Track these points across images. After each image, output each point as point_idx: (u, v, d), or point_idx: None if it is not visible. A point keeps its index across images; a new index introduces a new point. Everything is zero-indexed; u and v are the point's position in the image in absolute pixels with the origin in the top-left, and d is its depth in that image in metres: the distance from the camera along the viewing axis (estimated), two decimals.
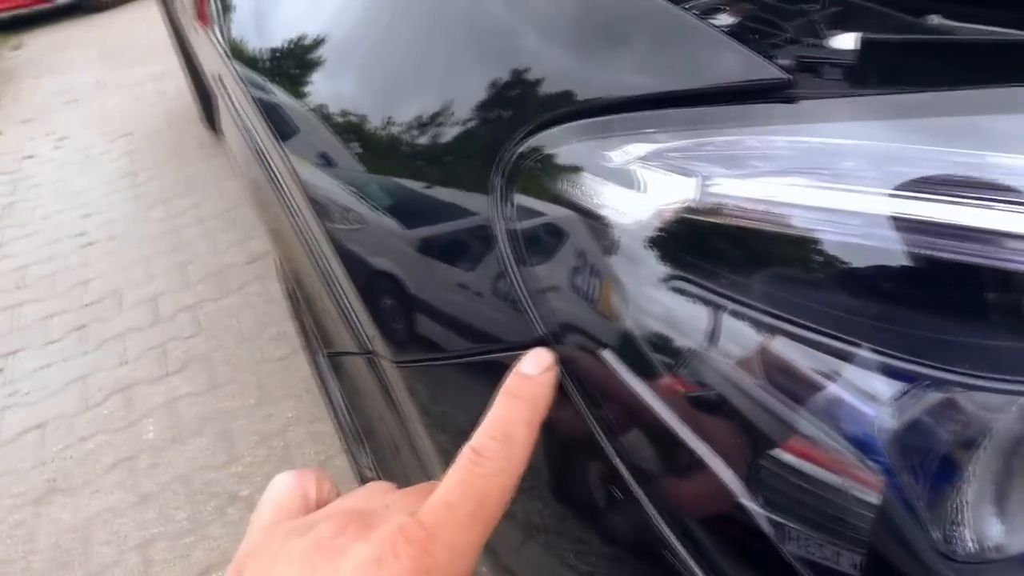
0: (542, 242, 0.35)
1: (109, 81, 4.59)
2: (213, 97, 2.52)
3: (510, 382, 0.32)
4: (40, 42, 5.84)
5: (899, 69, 0.28)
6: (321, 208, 0.51)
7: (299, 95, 0.55)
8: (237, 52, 0.70)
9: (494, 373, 0.38)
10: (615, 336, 0.32)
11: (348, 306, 0.53)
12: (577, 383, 0.34)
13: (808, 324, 0.27)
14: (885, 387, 0.26)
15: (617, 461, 0.33)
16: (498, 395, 0.31)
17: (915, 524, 0.26)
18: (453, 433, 0.43)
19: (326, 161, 0.52)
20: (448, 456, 0.44)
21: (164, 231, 2.80)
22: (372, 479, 1.08)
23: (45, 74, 4.99)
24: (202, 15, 0.95)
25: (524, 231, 0.35)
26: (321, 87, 0.54)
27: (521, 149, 0.36)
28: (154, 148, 3.54)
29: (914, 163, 0.27)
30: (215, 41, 0.81)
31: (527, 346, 0.36)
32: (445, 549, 0.26)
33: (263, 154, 0.66)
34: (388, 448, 0.55)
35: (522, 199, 0.36)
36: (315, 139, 0.53)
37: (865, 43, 0.29)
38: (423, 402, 0.45)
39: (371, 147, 0.47)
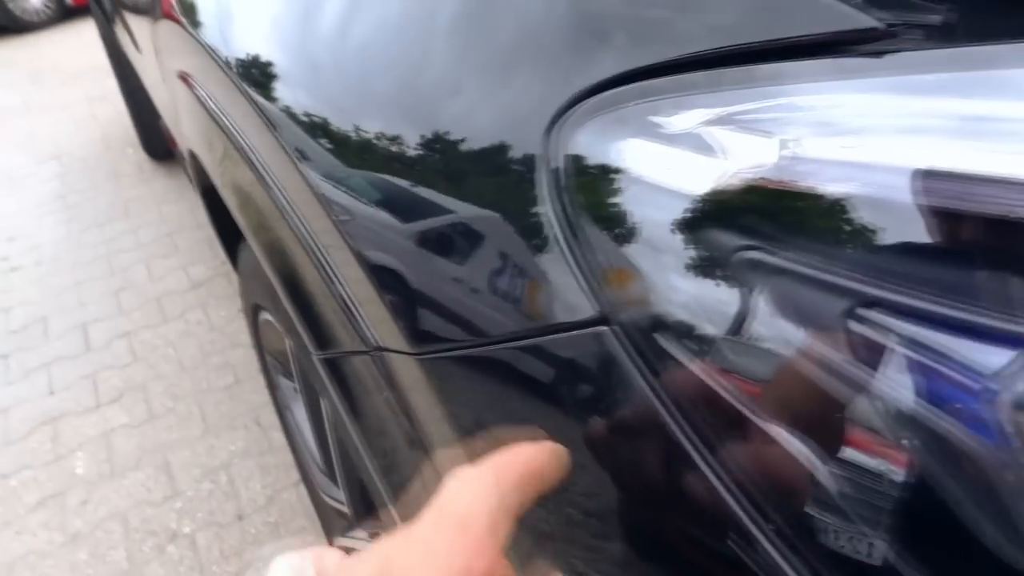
0: (599, 215, 0.33)
1: (37, 102, 4.39)
2: (158, 118, 2.43)
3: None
4: None
5: (994, 23, 0.28)
6: (330, 200, 0.48)
7: (308, 88, 0.52)
8: (227, 47, 0.66)
9: (533, 359, 0.36)
10: (682, 313, 0.30)
11: (352, 302, 0.50)
12: (643, 365, 0.32)
13: (911, 293, 0.26)
14: (999, 358, 0.25)
15: (698, 456, 0.30)
16: None
17: None
18: (477, 426, 0.40)
19: (337, 150, 0.49)
20: (473, 452, 0.41)
21: (97, 256, 2.66)
22: (338, 512, 1.02)
23: None
24: (167, 10, 0.91)
25: (578, 203, 0.33)
26: (328, 70, 0.51)
27: (574, 115, 0.35)
28: (88, 171, 3.38)
29: None
30: (191, 36, 0.77)
31: (580, 327, 0.33)
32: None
33: (248, 152, 0.63)
34: (395, 452, 0.52)
35: (576, 169, 0.34)
36: (323, 130, 0.50)
37: None
38: (445, 396, 0.42)
39: (400, 129, 0.44)
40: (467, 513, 0.26)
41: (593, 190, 0.33)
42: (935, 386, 0.26)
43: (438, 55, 0.43)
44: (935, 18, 0.29)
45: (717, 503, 0.30)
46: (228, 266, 2.49)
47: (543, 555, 0.40)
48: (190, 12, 0.80)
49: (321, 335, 0.56)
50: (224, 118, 0.68)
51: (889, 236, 0.27)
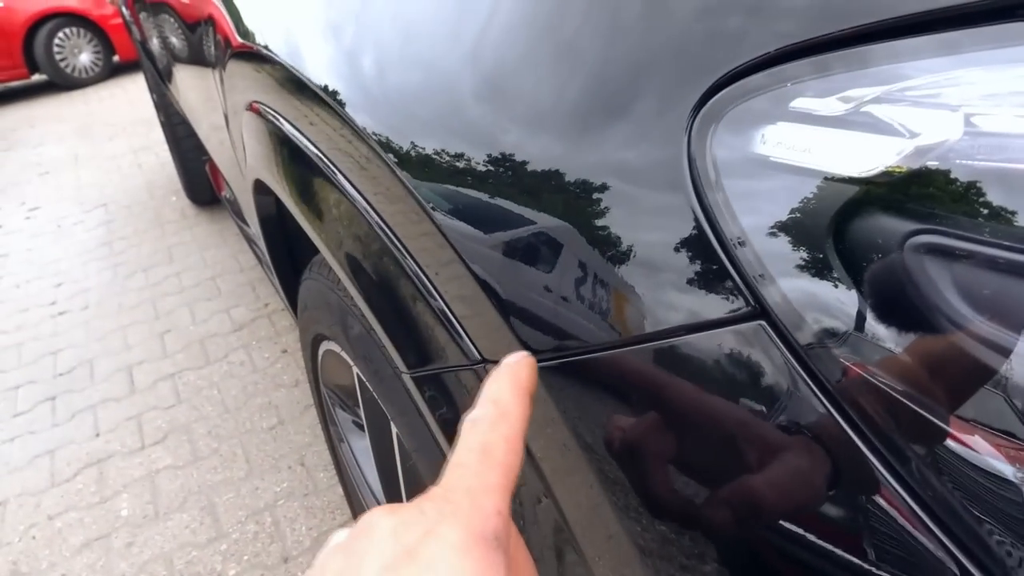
0: (755, 206, 0.31)
1: (84, 154, 4.54)
2: (203, 164, 2.49)
3: (492, 373, 0.35)
4: (13, 117, 5.78)
5: None
6: (436, 214, 0.47)
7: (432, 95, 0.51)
8: (307, 71, 0.67)
9: (672, 359, 0.34)
10: (848, 306, 0.28)
11: (453, 316, 0.48)
12: (803, 362, 0.30)
13: None
14: None
15: (878, 463, 0.28)
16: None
17: None
18: (601, 439, 0.38)
19: (438, 160, 0.48)
20: (593, 469, 0.39)
21: (142, 300, 2.70)
22: None
23: (17, 147, 4.92)
24: (237, 45, 0.93)
25: (726, 198, 0.32)
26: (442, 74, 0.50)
27: (710, 109, 0.33)
28: (133, 218, 3.46)
29: None
30: (267, 63, 0.78)
31: (734, 322, 0.32)
32: (464, 494, 0.28)
33: (335, 171, 0.62)
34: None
35: (722, 161, 0.32)
36: (424, 145, 0.50)
37: None
38: (560, 403, 0.40)
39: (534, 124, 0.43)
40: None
41: (741, 181, 0.32)
42: None
43: (548, 65, 0.43)
44: None
45: (899, 515, 0.28)
46: (271, 307, 2.52)
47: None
48: (264, 41, 0.81)
49: (414, 352, 0.55)
50: (303, 139, 0.68)
51: None
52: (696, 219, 0.33)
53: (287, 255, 1.11)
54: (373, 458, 0.97)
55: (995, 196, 0.26)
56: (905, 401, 0.28)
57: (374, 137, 0.54)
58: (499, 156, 0.44)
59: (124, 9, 3.12)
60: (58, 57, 6.27)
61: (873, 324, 0.28)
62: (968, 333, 0.26)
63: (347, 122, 0.57)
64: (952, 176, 0.27)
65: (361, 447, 1.10)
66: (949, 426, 0.27)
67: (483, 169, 0.45)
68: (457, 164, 0.46)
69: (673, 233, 0.34)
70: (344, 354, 0.84)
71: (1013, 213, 0.26)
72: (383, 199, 0.54)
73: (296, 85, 0.68)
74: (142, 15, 2.52)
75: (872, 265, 0.28)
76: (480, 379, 0.46)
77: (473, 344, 0.46)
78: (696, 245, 0.33)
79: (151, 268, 2.93)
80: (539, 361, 0.40)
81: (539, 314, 0.40)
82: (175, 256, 3.02)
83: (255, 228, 1.19)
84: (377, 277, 0.57)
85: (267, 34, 0.80)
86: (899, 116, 0.29)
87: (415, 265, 0.51)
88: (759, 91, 0.32)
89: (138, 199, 3.70)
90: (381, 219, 0.54)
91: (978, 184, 0.27)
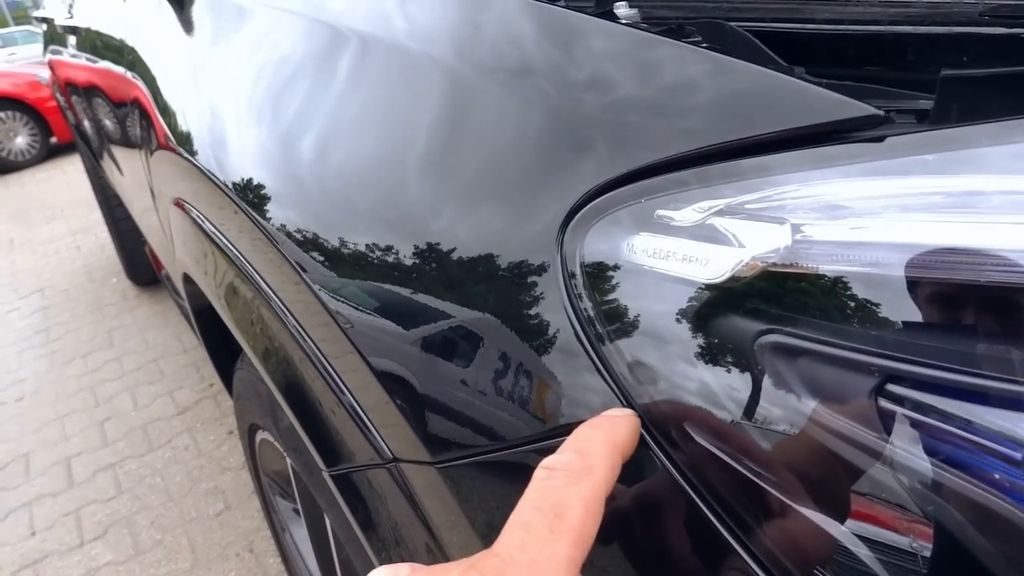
0: (616, 310, 0.34)
1: (20, 238, 4.43)
2: (143, 245, 2.45)
3: (590, 420, 0.31)
4: None
5: (979, 103, 0.30)
6: (340, 312, 0.49)
7: (317, 206, 0.54)
8: (223, 173, 0.69)
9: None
10: (706, 399, 0.31)
11: (363, 414, 0.49)
12: (670, 454, 0.32)
13: (936, 366, 0.27)
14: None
15: (728, 535, 0.30)
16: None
17: None
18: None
19: (339, 262, 0.50)
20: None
21: (81, 388, 2.62)
22: None
23: None
24: (163, 142, 0.94)
25: (595, 300, 0.35)
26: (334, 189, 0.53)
27: (579, 219, 0.36)
28: (71, 303, 3.38)
29: None
30: (187, 164, 0.80)
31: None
32: (526, 568, 0.24)
33: (250, 269, 0.64)
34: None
35: (589, 268, 0.35)
36: (323, 244, 0.52)
37: (943, 80, 0.31)
38: (467, 503, 0.42)
39: (404, 237, 0.46)
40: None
41: (609, 286, 0.34)
42: (962, 455, 0.26)
43: (426, 180, 0.46)
44: (924, 103, 0.32)
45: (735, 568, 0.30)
46: (215, 388, 2.47)
47: None
48: (185, 142, 0.83)
49: (331, 450, 0.56)
50: (223, 239, 0.70)
51: (905, 311, 0.28)
52: (571, 324, 0.35)
53: (222, 343, 1.11)
54: (312, 547, 0.95)
55: (826, 296, 0.29)
56: (759, 483, 0.30)
57: (286, 238, 0.56)
58: (411, 248, 0.46)
59: (58, 94, 3.11)
60: None
61: (733, 417, 0.31)
62: (816, 424, 0.29)
63: (259, 225, 0.59)
64: (788, 280, 0.30)
65: (301, 535, 1.08)
66: (798, 504, 0.29)
67: (386, 262, 0.47)
68: (361, 256, 0.49)
69: (552, 338, 0.36)
70: (277, 444, 0.83)
71: (839, 311, 0.29)
72: (293, 300, 0.55)
73: (214, 188, 0.70)
74: (75, 98, 2.52)
75: (729, 363, 0.31)
76: (394, 478, 0.47)
77: (384, 442, 0.47)
78: (568, 349, 0.35)
79: (90, 354, 2.85)
80: (439, 463, 0.42)
81: (432, 416, 0.42)
82: (115, 340, 2.94)
83: (189, 318, 1.19)
84: (292, 375, 0.58)
85: (188, 135, 0.82)
86: (737, 228, 0.32)
87: (322, 358, 0.52)
88: (622, 204, 0.35)
89: (76, 282, 3.62)
90: (292, 317, 0.55)
91: (811, 286, 0.30)
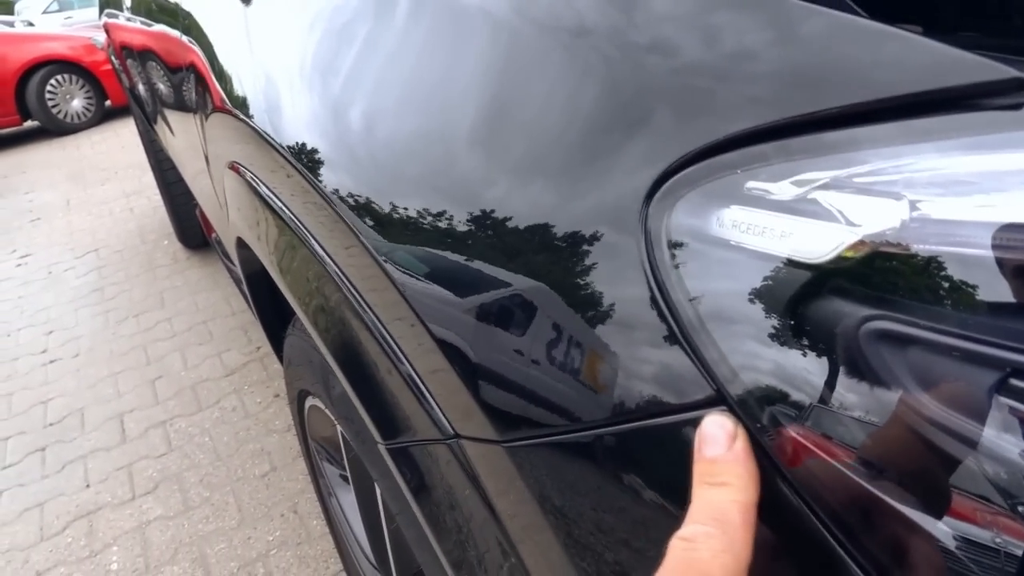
0: (707, 289, 0.32)
1: (76, 199, 4.55)
2: (194, 209, 2.49)
3: (701, 471, 0.29)
4: (5, 163, 5.81)
5: None
6: (403, 281, 0.48)
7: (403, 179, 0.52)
8: (279, 136, 0.68)
9: (640, 442, 0.34)
10: (817, 391, 0.29)
11: (425, 387, 0.48)
12: (765, 444, 0.30)
13: None
14: None
15: (828, 536, 0.28)
16: (694, 489, 0.29)
17: None
18: (580, 522, 0.38)
19: (405, 226, 0.49)
20: (575, 550, 0.39)
21: (134, 346, 2.69)
22: None
23: (8, 194, 4.93)
24: (219, 104, 0.94)
25: (684, 279, 0.32)
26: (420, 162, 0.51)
27: (666, 191, 0.34)
28: (125, 263, 3.46)
29: None
30: (244, 126, 0.79)
31: (695, 407, 0.32)
32: None
33: (307, 234, 0.63)
34: (467, 545, 0.49)
35: (677, 244, 0.33)
36: (390, 208, 0.50)
37: None
38: (536, 485, 0.40)
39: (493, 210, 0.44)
40: None
41: (699, 264, 0.32)
42: None
43: (494, 147, 0.43)
44: None
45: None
46: (263, 351, 2.51)
47: None
48: (242, 106, 0.82)
49: (387, 422, 0.55)
50: (278, 202, 0.69)
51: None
52: (655, 302, 0.33)
53: (273, 308, 1.12)
54: (360, 515, 0.96)
55: (944, 281, 0.27)
56: (865, 486, 0.28)
57: (341, 201, 0.55)
58: (471, 215, 0.44)
59: (113, 57, 3.16)
60: (50, 103, 6.32)
61: (833, 409, 0.28)
62: (925, 419, 0.26)
63: (316, 187, 0.58)
64: (902, 262, 0.28)
65: (349, 501, 1.09)
66: (909, 509, 0.27)
67: (444, 229, 0.45)
68: (419, 223, 0.47)
69: (633, 316, 0.34)
70: (328, 412, 0.83)
71: (963, 297, 0.26)
72: (351, 264, 0.54)
73: (271, 151, 0.69)
74: (129, 61, 2.55)
75: (829, 351, 0.29)
76: (455, 456, 0.46)
77: (445, 416, 0.46)
78: (654, 328, 0.33)
79: (142, 314, 2.93)
80: (506, 442, 0.40)
81: (502, 392, 0.41)
82: (167, 301, 3.01)
83: (240, 283, 1.19)
84: (349, 344, 0.57)
85: (244, 99, 0.81)
86: (846, 203, 0.29)
87: (379, 324, 0.51)
88: (714, 175, 0.33)
89: (130, 244, 3.70)
90: (349, 282, 0.54)
91: (927, 269, 0.27)
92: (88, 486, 2.00)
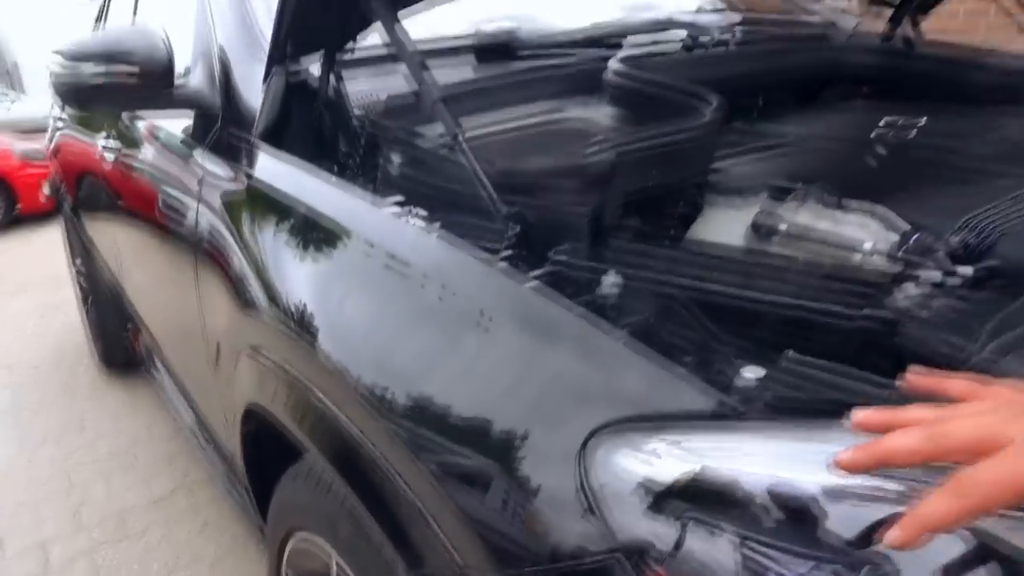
0: (617, 495, 0.61)
1: None
2: (123, 329, 2.58)
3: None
4: None
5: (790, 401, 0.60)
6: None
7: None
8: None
9: None
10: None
11: (440, 531, 0.75)
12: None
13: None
14: None
15: None
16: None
17: None
18: None
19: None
20: None
21: (54, 473, 2.70)
22: None
23: None
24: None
25: (601, 492, 0.62)
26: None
27: (594, 439, 0.64)
28: (41, 384, 3.45)
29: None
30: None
31: (601, 554, 0.61)
32: None
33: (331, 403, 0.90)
34: None
35: (596, 473, 0.62)
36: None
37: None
38: None
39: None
40: None
41: (610, 486, 0.61)
42: None
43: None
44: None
45: None
46: (190, 479, 2.59)
47: None
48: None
49: (413, 556, 0.80)
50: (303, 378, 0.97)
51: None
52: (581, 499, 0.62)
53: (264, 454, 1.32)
54: None
55: (718, 495, 0.58)
56: None
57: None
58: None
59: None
60: None
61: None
62: None
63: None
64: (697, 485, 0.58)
65: None
66: None
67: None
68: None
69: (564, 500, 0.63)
70: (326, 548, 1.04)
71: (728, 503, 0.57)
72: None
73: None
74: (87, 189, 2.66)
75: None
76: None
77: (457, 555, 0.72)
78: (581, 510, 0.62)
79: (62, 439, 2.93)
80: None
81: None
82: (87, 424, 3.03)
83: (235, 448, 1.40)
84: (375, 486, 0.85)
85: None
86: (674, 454, 0.60)
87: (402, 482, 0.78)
88: (622, 433, 0.63)
89: (44, 363, 3.68)
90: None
91: (703, 488, 0.58)
92: None
